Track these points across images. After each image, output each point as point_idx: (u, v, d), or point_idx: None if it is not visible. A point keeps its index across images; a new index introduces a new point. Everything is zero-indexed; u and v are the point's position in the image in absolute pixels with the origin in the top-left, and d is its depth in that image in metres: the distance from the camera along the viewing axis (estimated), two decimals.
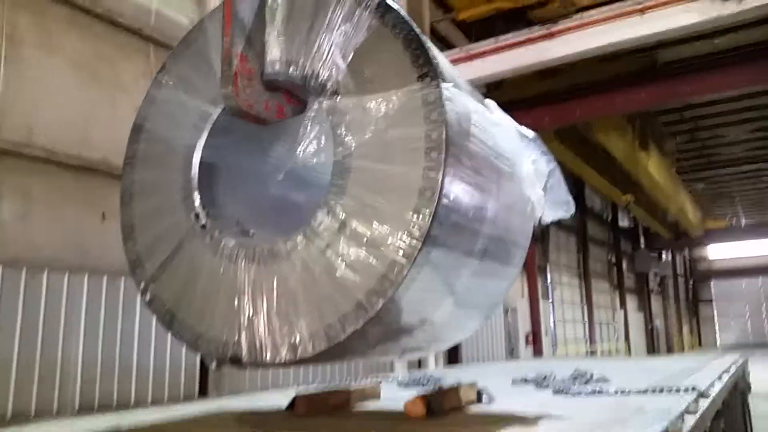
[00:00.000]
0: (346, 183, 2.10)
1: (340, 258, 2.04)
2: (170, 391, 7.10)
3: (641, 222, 29.43)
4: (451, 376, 5.21)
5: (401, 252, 1.95)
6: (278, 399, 4.09)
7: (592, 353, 21.83)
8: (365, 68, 2.15)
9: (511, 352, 16.71)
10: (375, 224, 2.02)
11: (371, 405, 3.81)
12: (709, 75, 11.55)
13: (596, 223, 26.47)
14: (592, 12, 9.31)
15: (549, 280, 20.33)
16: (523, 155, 2.66)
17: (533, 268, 18.30)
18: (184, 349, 7.34)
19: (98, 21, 6.74)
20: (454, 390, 3.54)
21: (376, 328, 2.05)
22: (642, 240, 31.52)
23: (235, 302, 2.20)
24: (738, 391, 6.22)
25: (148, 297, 2.43)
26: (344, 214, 2.07)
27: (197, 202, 2.43)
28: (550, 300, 20.32)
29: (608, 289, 27.28)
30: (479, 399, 3.62)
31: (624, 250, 29.73)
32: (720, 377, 4.66)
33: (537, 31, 9.46)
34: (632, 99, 12.07)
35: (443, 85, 2.03)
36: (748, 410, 7.33)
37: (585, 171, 17.69)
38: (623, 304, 28.50)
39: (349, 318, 1.98)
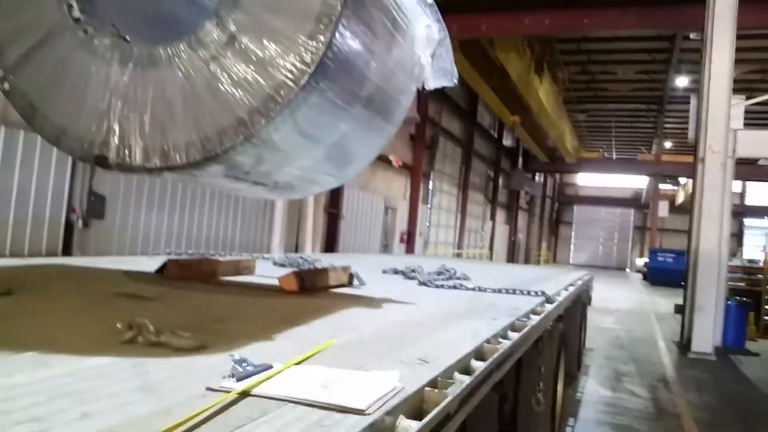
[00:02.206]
0: None
1: (225, 73, 1.98)
2: (31, 246, 6.80)
3: (523, 143, 30.88)
4: (326, 261, 5.42)
5: (291, 75, 1.92)
6: (148, 264, 4.07)
7: (458, 256, 23.30)
8: None
9: (386, 248, 17.47)
10: (267, 43, 1.95)
11: (245, 278, 3.91)
12: (609, 11, 11.96)
13: (483, 138, 27.42)
14: None
15: (431, 187, 21.07)
16: (418, 17, 2.65)
17: (418, 174, 18.84)
18: (48, 204, 6.99)
19: None
20: (328, 271, 3.71)
21: (252, 150, 2.03)
22: (520, 160, 33.19)
23: (106, 102, 2.09)
24: (580, 303, 6.98)
25: (5, 86, 2.24)
26: (235, 28, 1.98)
27: None
28: (429, 205, 21.15)
29: (482, 201, 28.80)
30: (350, 282, 3.82)
31: (503, 167, 31.24)
32: (566, 288, 5.19)
33: None
34: (537, 23, 12.30)
35: None
36: (585, 319, 8.30)
37: (481, 87, 18.07)
38: (493, 216, 30.32)
39: (228, 133, 1.95)
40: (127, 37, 2.15)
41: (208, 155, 1.96)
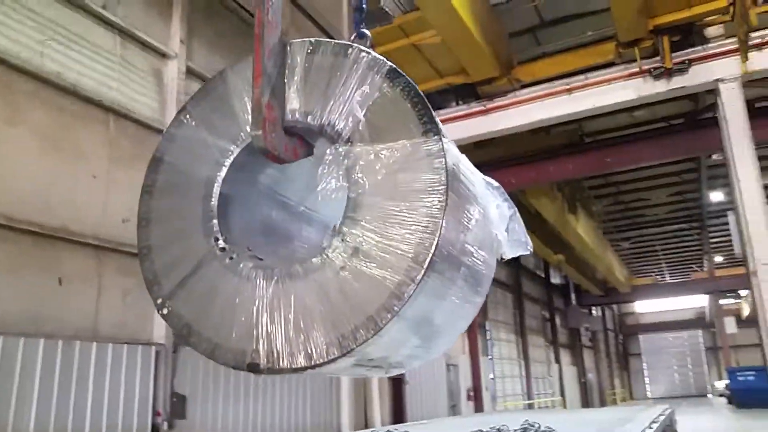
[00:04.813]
0: (359, 216, 2.46)
1: (353, 278, 2.37)
2: None
3: (572, 279, 30.69)
4: None
5: (408, 275, 2.29)
6: None
7: (529, 407, 22.32)
8: (377, 122, 2.50)
9: (453, 408, 16.96)
10: (384, 251, 2.37)
11: None
12: (628, 148, 12.68)
13: (531, 280, 27.48)
14: (524, 91, 10.22)
15: (488, 337, 20.86)
16: (490, 200, 3.13)
17: (474, 325, 18.83)
18: (136, 410, 7.38)
19: (62, 93, 7.00)
20: None
21: (379, 341, 2.35)
22: (573, 296, 32.77)
23: (253, 316, 2.45)
24: None
25: (165, 311, 2.63)
26: (357, 242, 2.42)
27: (216, 227, 2.68)
28: (490, 356, 20.81)
29: (543, 344, 28.11)
30: None
31: (557, 306, 30.83)
32: (650, 426, 5.20)
33: (474, 107, 10.30)
34: (561, 169, 13.06)
35: (443, 139, 2.45)
36: None
37: None
38: (558, 358, 29.37)
39: (361, 329, 2.28)
40: (264, 259, 2.61)
41: (345, 351, 2.29)
